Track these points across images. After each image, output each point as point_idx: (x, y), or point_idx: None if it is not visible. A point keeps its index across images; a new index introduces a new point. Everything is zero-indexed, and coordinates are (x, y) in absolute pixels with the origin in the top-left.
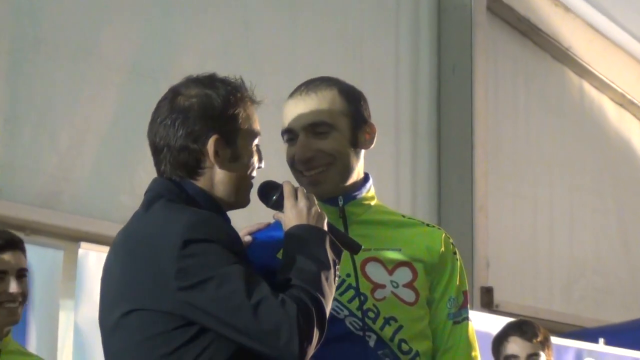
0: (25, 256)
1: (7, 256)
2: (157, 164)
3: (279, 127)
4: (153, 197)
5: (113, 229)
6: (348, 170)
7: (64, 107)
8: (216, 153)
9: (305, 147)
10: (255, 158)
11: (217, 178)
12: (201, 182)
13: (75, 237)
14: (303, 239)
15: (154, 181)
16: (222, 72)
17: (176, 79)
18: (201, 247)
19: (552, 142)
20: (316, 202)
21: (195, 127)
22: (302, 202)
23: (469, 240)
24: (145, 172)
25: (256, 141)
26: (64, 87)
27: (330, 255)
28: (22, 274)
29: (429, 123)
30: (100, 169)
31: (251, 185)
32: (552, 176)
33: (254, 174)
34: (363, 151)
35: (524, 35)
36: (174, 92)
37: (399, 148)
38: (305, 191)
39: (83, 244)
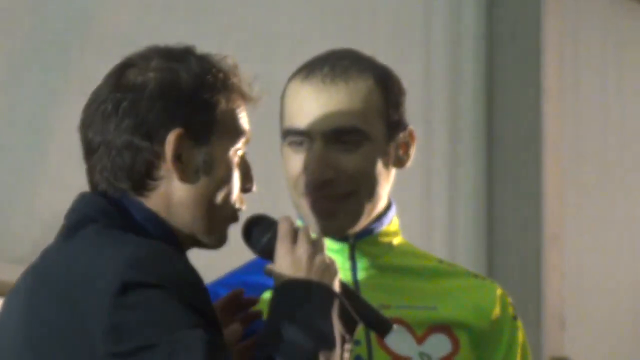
0: None
1: None
2: (89, 171)
3: (264, 125)
4: (79, 221)
5: (6, 272)
6: (376, 199)
7: None
8: (178, 156)
9: (325, 163)
10: (236, 173)
11: (176, 196)
12: (152, 202)
13: None
14: (297, 299)
15: (82, 198)
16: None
17: (99, 48)
18: (148, 295)
19: None
20: (325, 248)
21: (149, 114)
22: (302, 247)
23: (535, 290)
24: (50, 187)
25: (239, 146)
26: None
27: (338, 327)
28: None
29: (475, 115)
30: None
31: (232, 215)
32: None
33: (237, 201)
34: (394, 170)
35: None
36: (124, 64)
37: (430, 151)
38: (309, 232)
39: None
